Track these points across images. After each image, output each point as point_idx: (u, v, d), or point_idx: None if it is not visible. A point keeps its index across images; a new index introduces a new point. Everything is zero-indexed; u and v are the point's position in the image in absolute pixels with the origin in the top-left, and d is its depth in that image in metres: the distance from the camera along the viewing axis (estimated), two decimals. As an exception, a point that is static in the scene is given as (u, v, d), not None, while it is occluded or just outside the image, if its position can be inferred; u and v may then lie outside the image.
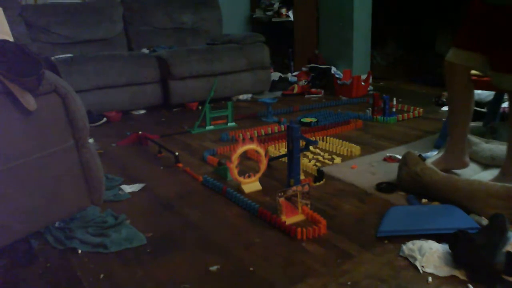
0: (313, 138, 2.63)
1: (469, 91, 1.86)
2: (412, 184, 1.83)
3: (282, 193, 1.63)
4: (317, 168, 2.12)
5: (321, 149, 2.53)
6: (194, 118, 3.24)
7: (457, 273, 1.27)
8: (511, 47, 1.66)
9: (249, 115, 3.42)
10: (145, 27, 4.24)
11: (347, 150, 2.45)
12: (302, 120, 3.09)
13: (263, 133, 2.89)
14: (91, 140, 2.76)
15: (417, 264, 1.32)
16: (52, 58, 3.37)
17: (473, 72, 2.24)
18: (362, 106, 3.68)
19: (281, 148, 2.55)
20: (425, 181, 1.76)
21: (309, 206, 1.69)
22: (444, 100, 3.47)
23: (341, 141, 2.58)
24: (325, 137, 2.72)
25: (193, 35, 4.50)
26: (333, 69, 4.55)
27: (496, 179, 1.78)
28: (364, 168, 2.19)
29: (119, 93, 3.54)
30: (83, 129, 1.43)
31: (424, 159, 1.85)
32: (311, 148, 2.48)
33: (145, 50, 4.08)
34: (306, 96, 4.22)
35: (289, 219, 1.64)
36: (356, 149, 2.44)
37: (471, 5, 1.80)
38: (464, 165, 1.96)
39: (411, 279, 1.28)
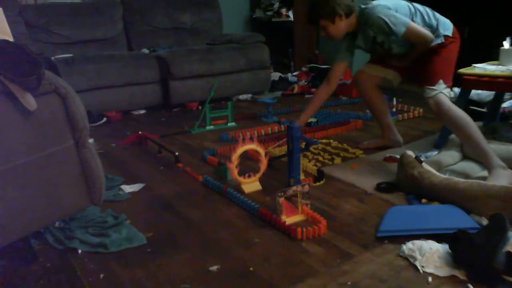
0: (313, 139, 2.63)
1: (379, 90, 2.38)
2: (411, 187, 1.83)
3: (282, 193, 1.63)
4: (317, 168, 2.12)
5: (322, 150, 2.54)
6: (194, 118, 3.24)
7: (457, 273, 1.27)
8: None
9: (249, 115, 3.42)
10: (145, 27, 4.24)
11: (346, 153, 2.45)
12: (302, 120, 3.08)
13: (263, 133, 2.89)
14: (91, 140, 2.76)
15: (417, 264, 1.32)
16: (52, 58, 3.37)
17: (473, 72, 2.25)
18: (362, 106, 3.67)
19: (280, 148, 2.54)
20: (423, 184, 1.76)
21: (309, 206, 1.69)
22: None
23: (342, 145, 2.58)
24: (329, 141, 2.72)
25: (193, 35, 4.50)
26: (333, 69, 4.55)
27: (488, 178, 1.84)
28: (364, 168, 2.19)
29: (119, 93, 3.54)
30: (83, 129, 1.43)
31: (420, 161, 1.85)
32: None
33: (145, 50, 4.08)
34: (306, 96, 4.21)
35: (289, 219, 1.64)
36: (358, 152, 2.45)
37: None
38: (400, 145, 2.46)
39: (411, 279, 1.28)
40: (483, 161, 1.92)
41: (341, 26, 2.13)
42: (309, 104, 2.45)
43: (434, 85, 2.01)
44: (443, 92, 2.00)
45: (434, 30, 2.06)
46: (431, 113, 2.05)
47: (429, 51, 2.07)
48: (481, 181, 1.69)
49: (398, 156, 2.27)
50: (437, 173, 1.78)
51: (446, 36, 2.07)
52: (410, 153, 1.91)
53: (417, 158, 1.87)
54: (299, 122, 2.31)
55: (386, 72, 2.30)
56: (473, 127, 1.91)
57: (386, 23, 1.99)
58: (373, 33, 2.09)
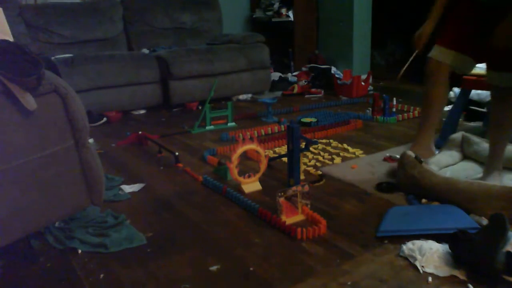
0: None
1: (447, 87, 1.92)
2: (411, 187, 1.83)
3: (282, 193, 1.63)
4: (319, 175, 2.11)
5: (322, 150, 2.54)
6: (194, 118, 3.24)
7: (457, 273, 1.27)
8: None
9: (249, 115, 3.42)
10: (145, 27, 4.24)
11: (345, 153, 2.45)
12: (302, 120, 3.09)
13: (263, 133, 2.89)
14: (91, 140, 2.76)
15: (417, 264, 1.32)
16: (52, 58, 3.37)
17: (473, 72, 2.25)
18: (362, 106, 3.68)
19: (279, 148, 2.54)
20: (423, 184, 1.76)
21: (309, 206, 1.69)
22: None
23: (342, 145, 2.58)
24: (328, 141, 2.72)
25: (193, 35, 4.50)
26: (333, 69, 4.55)
27: (483, 177, 1.83)
28: (364, 168, 2.19)
29: (119, 93, 3.54)
30: (83, 129, 1.43)
31: (420, 161, 1.85)
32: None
33: (145, 50, 4.08)
34: (306, 96, 4.22)
35: (289, 219, 1.64)
36: (358, 152, 2.45)
37: (458, 5, 1.79)
38: (432, 154, 2.00)
39: (411, 279, 1.28)
40: (494, 160, 1.85)
41: None
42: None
43: None
44: None
45: None
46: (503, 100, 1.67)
47: None
48: (481, 181, 1.69)
49: (398, 156, 2.27)
50: (437, 173, 1.78)
51: None
52: (410, 153, 1.91)
53: (417, 158, 1.87)
54: (425, 30, 1.91)
55: (462, 59, 1.81)
56: None
57: None
58: None
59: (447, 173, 1.94)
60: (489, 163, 1.87)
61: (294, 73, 4.72)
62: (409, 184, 1.83)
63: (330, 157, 2.37)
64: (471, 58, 1.78)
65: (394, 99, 3.35)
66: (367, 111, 3.29)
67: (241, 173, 1.97)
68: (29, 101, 1.25)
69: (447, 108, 3.33)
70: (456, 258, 1.31)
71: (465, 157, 2.19)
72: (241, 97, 4.17)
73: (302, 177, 2.04)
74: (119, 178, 2.15)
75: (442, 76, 1.87)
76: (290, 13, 4.81)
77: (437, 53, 1.84)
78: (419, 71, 2.05)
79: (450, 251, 1.33)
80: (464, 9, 1.77)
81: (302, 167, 2.15)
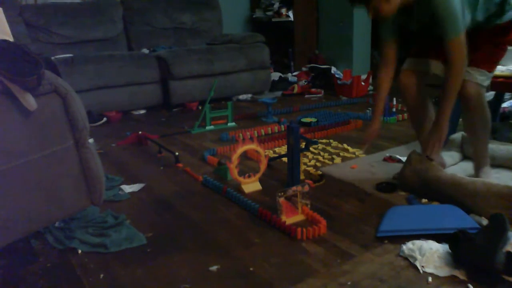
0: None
1: (427, 99, 1.97)
2: (414, 180, 1.81)
3: (282, 193, 1.63)
4: (319, 174, 2.11)
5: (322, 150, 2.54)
6: (194, 118, 3.24)
7: (457, 273, 1.27)
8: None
9: (249, 115, 3.42)
10: (145, 27, 4.24)
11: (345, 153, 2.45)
12: (302, 120, 3.09)
13: (263, 133, 2.89)
14: (91, 140, 2.76)
15: (417, 264, 1.32)
16: (52, 58, 3.36)
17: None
18: (362, 106, 3.68)
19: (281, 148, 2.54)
20: (428, 177, 1.75)
21: (309, 206, 1.69)
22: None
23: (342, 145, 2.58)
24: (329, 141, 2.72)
25: (193, 35, 4.50)
26: (333, 69, 4.55)
27: (474, 175, 1.89)
28: (364, 168, 2.19)
29: (119, 93, 3.54)
30: (83, 129, 1.43)
31: (431, 159, 1.85)
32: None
33: (145, 50, 4.08)
34: (306, 96, 4.22)
35: (289, 219, 1.64)
36: (358, 152, 2.45)
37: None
38: (444, 166, 1.98)
39: (411, 279, 1.28)
40: (481, 158, 1.91)
41: (396, 1, 1.65)
42: (376, 100, 2.02)
43: (491, 71, 1.73)
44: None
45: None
46: (465, 101, 1.73)
47: (504, 31, 1.75)
48: (485, 180, 1.70)
49: (398, 156, 2.28)
50: (443, 169, 1.78)
51: None
52: (418, 152, 1.92)
53: (427, 157, 1.87)
54: (375, 124, 2.01)
55: (435, 65, 1.87)
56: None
57: (445, 17, 1.60)
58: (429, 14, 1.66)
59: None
60: (476, 163, 1.93)
61: (294, 73, 4.72)
62: (414, 176, 1.81)
63: (330, 157, 2.37)
64: (435, 60, 1.86)
65: (394, 99, 3.35)
66: (367, 111, 3.29)
67: (241, 173, 1.97)
68: (29, 101, 1.25)
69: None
70: (456, 258, 1.31)
71: (465, 157, 2.18)
72: (241, 97, 4.17)
73: (302, 177, 2.04)
74: (119, 178, 2.15)
75: (413, 86, 1.94)
76: (290, 13, 4.81)
77: (410, 63, 1.93)
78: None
79: (450, 251, 1.33)
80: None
81: (302, 167, 2.15)
